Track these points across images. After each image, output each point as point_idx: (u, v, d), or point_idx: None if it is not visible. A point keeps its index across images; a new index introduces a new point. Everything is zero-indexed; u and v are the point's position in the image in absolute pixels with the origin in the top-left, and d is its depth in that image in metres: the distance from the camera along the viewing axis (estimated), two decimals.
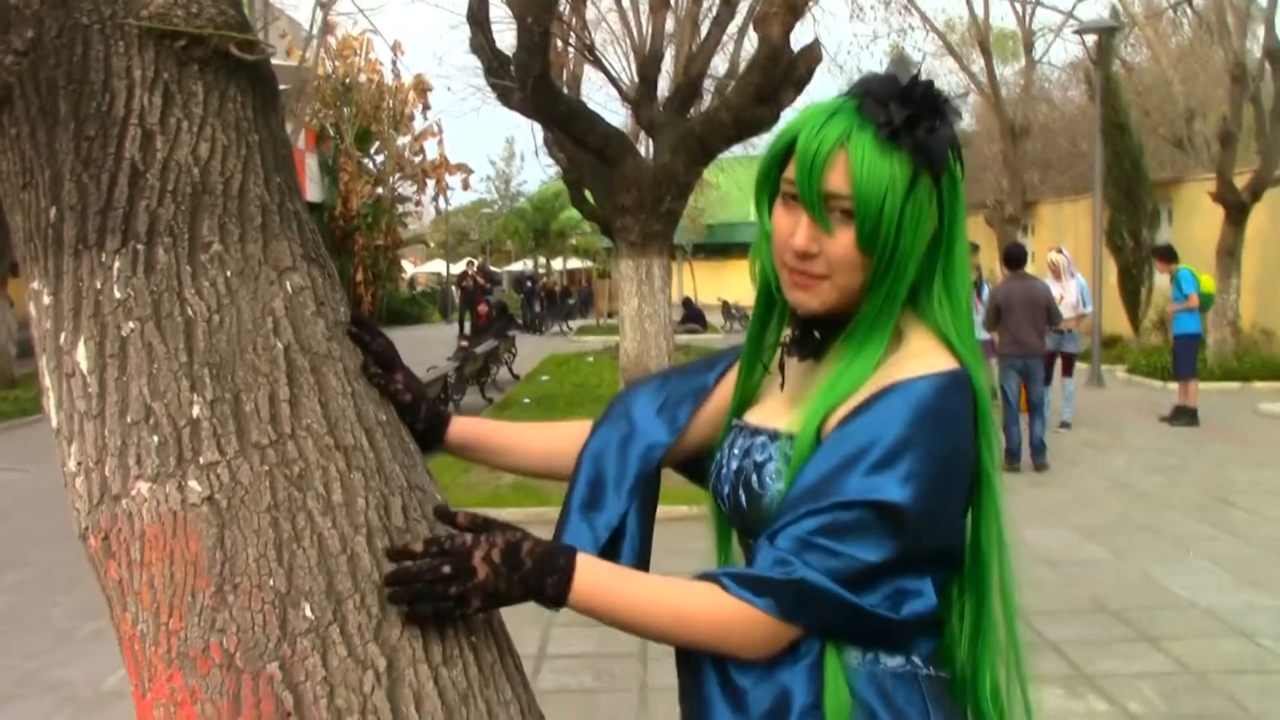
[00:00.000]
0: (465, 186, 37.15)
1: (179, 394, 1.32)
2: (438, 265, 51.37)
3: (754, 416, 1.55)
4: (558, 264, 53.04)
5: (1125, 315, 20.69)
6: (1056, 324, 10.73)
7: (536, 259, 51.69)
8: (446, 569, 1.28)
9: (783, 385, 1.54)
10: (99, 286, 1.35)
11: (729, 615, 1.32)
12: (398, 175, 35.08)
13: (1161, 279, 14.94)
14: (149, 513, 1.29)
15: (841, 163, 1.34)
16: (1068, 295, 11.85)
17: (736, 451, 1.51)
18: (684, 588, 1.35)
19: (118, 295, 1.35)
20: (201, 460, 1.30)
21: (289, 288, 1.44)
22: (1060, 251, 12.71)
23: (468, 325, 27.02)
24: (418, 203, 41.00)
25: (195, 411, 1.31)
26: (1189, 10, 22.28)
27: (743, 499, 1.46)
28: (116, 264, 1.36)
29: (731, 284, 41.01)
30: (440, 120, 38.20)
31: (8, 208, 1.47)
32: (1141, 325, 20.56)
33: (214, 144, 1.45)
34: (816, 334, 1.47)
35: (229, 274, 1.39)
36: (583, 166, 13.84)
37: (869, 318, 1.40)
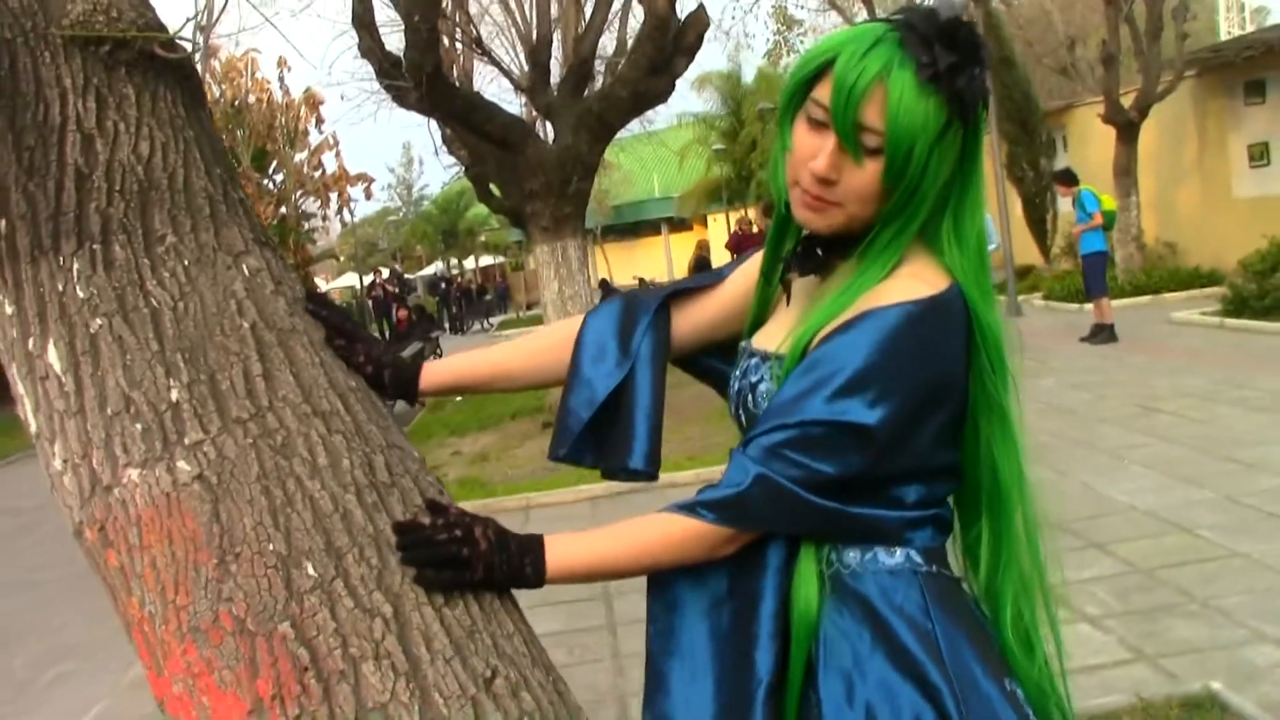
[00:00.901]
0: (368, 195, 36.83)
1: (155, 381, 1.36)
2: (351, 279, 50.83)
3: (759, 339, 1.59)
4: (470, 263, 52.74)
5: (1034, 244, 21.13)
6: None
7: (448, 260, 51.38)
8: (458, 532, 1.39)
9: (788, 301, 1.58)
10: (61, 289, 1.39)
11: (680, 536, 1.41)
12: (299, 192, 34.57)
13: (1065, 203, 15.26)
14: (142, 497, 1.33)
15: (879, 96, 1.33)
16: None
17: (738, 373, 1.57)
18: (639, 526, 1.43)
19: (81, 294, 1.38)
20: (187, 441, 1.34)
21: (246, 270, 1.48)
22: None
23: (387, 334, 26.81)
24: (323, 218, 40.40)
25: (174, 395, 1.35)
26: None
27: (743, 419, 1.52)
28: (75, 265, 1.39)
29: (644, 262, 41.10)
30: (335, 133, 37.80)
31: None
32: (1051, 252, 21.01)
33: (153, 142, 1.49)
34: (819, 251, 1.49)
35: (186, 263, 1.43)
36: (486, 159, 13.79)
37: (877, 248, 1.42)
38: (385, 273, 34.03)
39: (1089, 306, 13.17)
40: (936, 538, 1.48)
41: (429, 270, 52.29)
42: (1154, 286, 16.49)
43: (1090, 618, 4.87)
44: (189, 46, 1.63)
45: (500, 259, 51.90)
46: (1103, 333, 12.91)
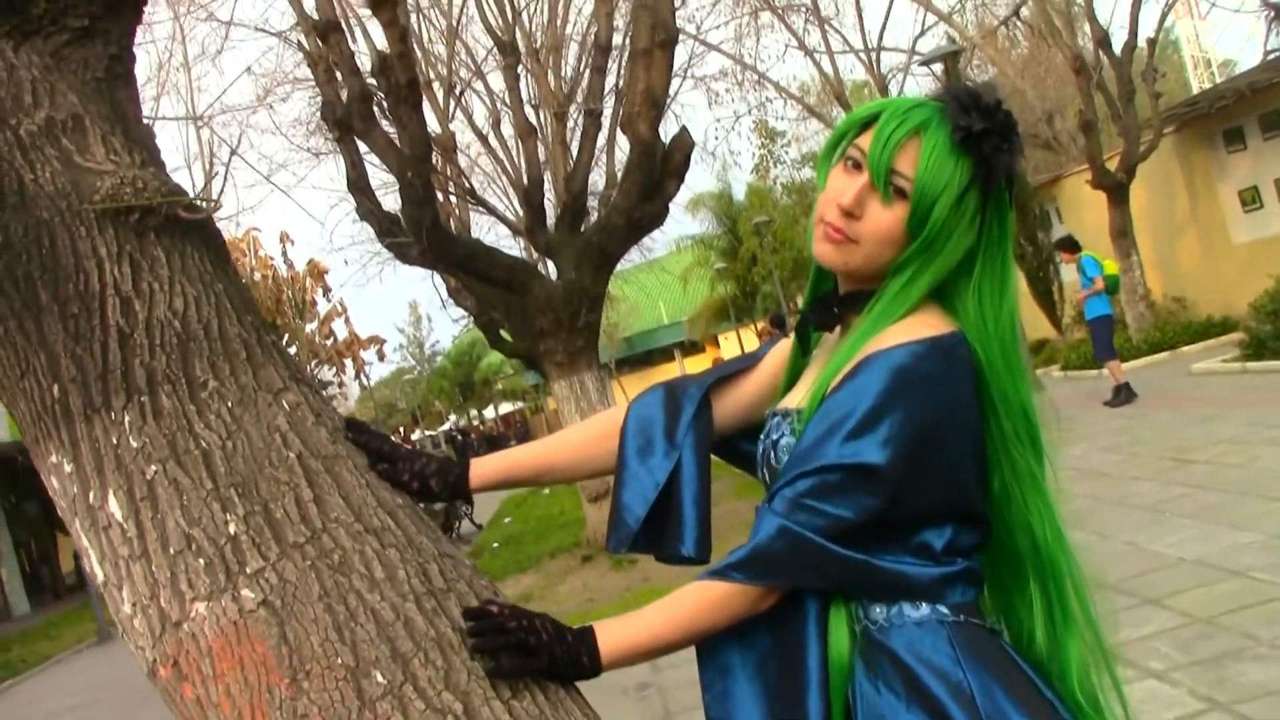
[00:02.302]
0: (381, 357, 37.29)
1: (213, 517, 1.42)
2: None
3: (783, 401, 1.65)
4: (489, 412, 53.05)
5: (1044, 317, 21.20)
6: None
7: (467, 412, 51.68)
8: (524, 621, 1.44)
9: (805, 352, 1.65)
10: (115, 442, 1.46)
11: (717, 601, 1.45)
12: (314, 362, 35.06)
13: (1070, 271, 15.37)
14: (211, 629, 1.38)
15: (913, 148, 1.44)
16: None
17: (762, 435, 1.62)
18: (679, 599, 1.48)
19: (134, 444, 1.45)
20: (249, 570, 1.40)
21: (286, 405, 1.55)
22: None
23: None
24: (340, 385, 40.93)
25: (232, 529, 1.42)
26: (1019, 22, 23.35)
27: (766, 478, 1.58)
28: (126, 418, 1.46)
29: None
30: (343, 299, 38.43)
31: (9, 400, 1.57)
32: (1063, 322, 21.08)
33: (186, 297, 1.57)
34: (835, 310, 1.57)
35: (230, 404, 1.51)
36: (494, 305, 14.03)
37: (887, 298, 1.49)
38: (400, 431, 34.45)
39: (1106, 371, 13.16)
40: (967, 593, 1.49)
41: (446, 425, 52.54)
42: (1170, 342, 16.50)
43: (1156, 673, 4.80)
44: (208, 206, 1.73)
45: (519, 404, 52.21)
46: (1123, 393, 12.87)
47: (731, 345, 38.62)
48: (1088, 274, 12.85)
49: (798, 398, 1.58)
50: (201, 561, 1.40)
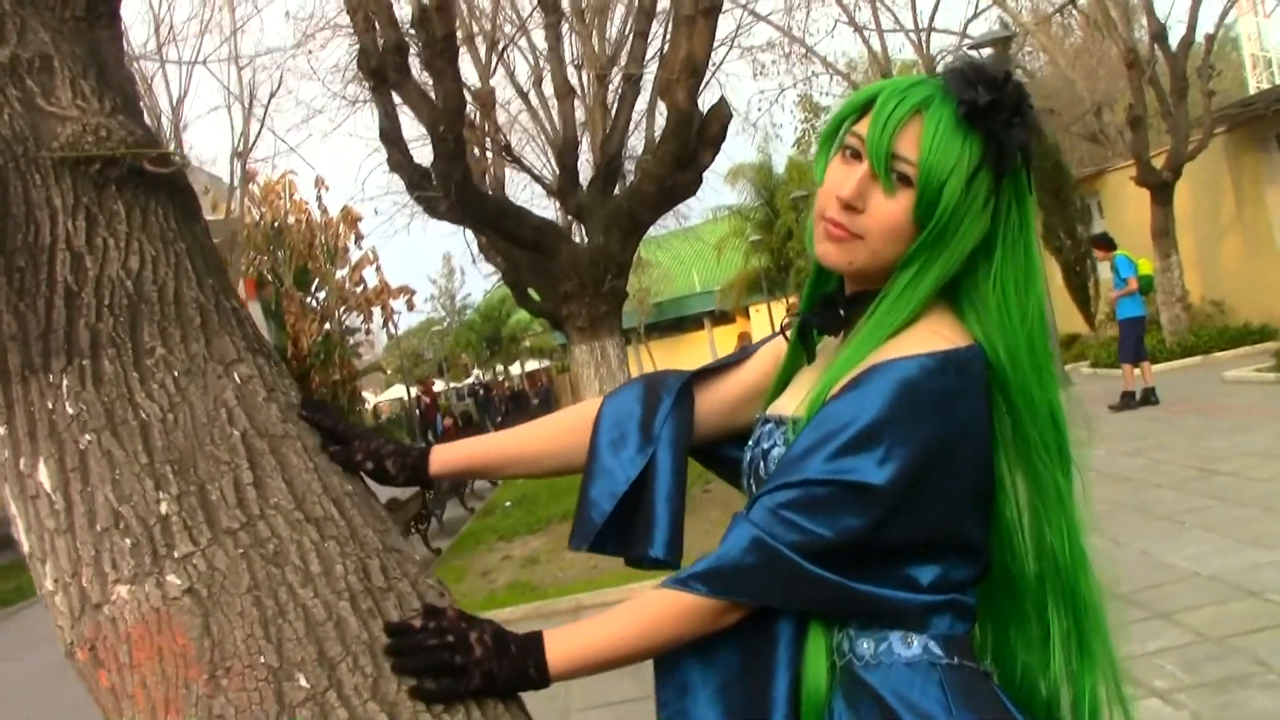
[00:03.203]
0: (410, 307, 37.27)
1: (145, 494, 1.34)
2: (398, 391, 51.32)
3: (774, 407, 1.53)
4: (515, 369, 53.11)
5: (1078, 312, 20.94)
6: None
7: (493, 367, 51.77)
8: (450, 638, 1.32)
9: (809, 360, 1.52)
10: (50, 406, 1.38)
11: (677, 612, 1.34)
12: (343, 308, 35.15)
13: (1105, 269, 15.14)
14: (131, 614, 1.30)
15: (915, 128, 1.32)
16: None
17: (751, 443, 1.50)
18: (636, 607, 1.37)
19: (70, 411, 1.37)
20: (176, 554, 1.31)
21: (237, 378, 1.46)
22: None
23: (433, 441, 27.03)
24: (368, 332, 41.06)
25: (163, 508, 1.33)
26: (1075, 11, 22.94)
27: (753, 488, 1.45)
28: (65, 382, 1.38)
29: (689, 358, 41.11)
30: (375, 248, 38.44)
31: None
32: (1096, 319, 20.81)
33: (143, 256, 1.49)
34: (842, 312, 1.45)
35: (176, 374, 1.42)
36: (521, 264, 13.95)
37: (892, 295, 1.37)
38: (421, 384, 34.57)
39: (1145, 365, 12.90)
40: (957, 625, 1.37)
41: (469, 380, 52.64)
42: (1203, 346, 16.25)
43: (1160, 692, 4.69)
44: (178, 160, 1.64)
45: (546, 363, 52.25)
46: (1130, 400, 12.64)
47: (762, 318, 38.35)
48: (1121, 274, 12.65)
49: (793, 404, 1.45)
50: (128, 541, 1.32)
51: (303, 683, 1.26)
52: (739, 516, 1.36)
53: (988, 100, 1.31)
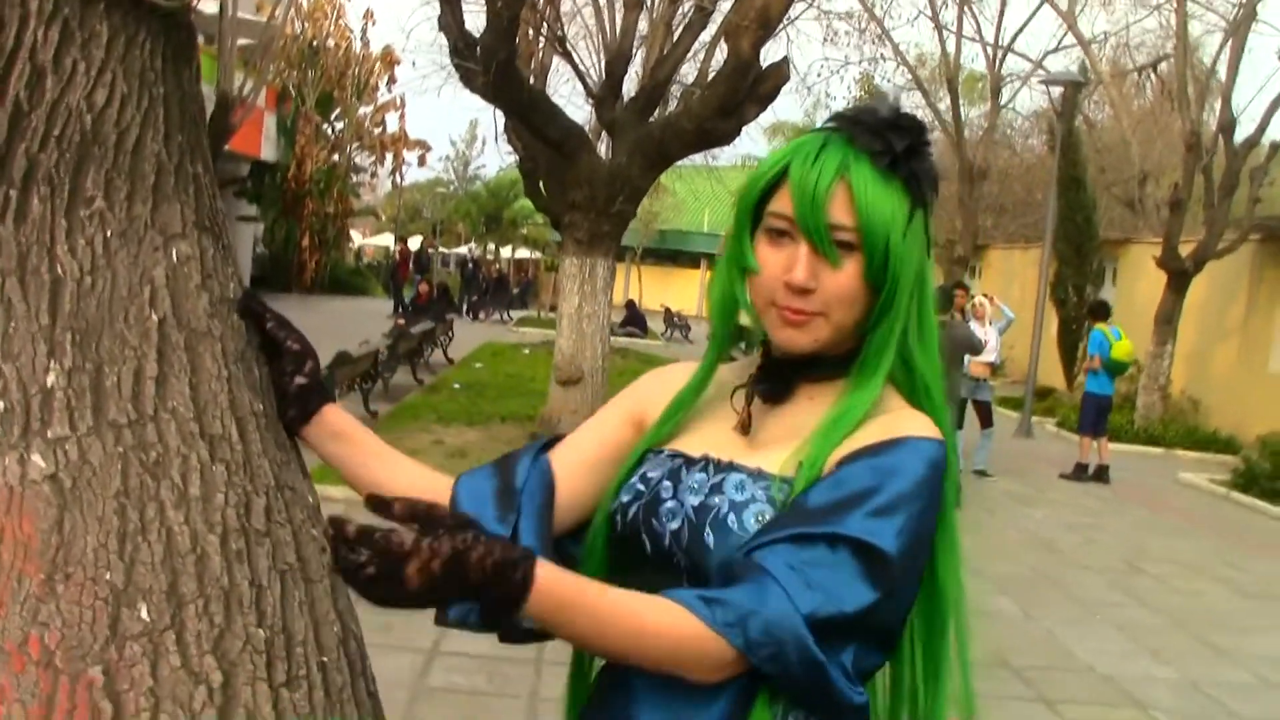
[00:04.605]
0: (422, 163, 36.97)
1: (34, 358, 1.20)
2: (387, 239, 50.76)
3: (694, 446, 1.42)
4: (506, 251, 52.66)
5: (1061, 368, 20.91)
6: (978, 352, 10.93)
7: (486, 244, 51.28)
8: (371, 570, 1.08)
9: (747, 427, 1.41)
10: None
11: (690, 637, 1.21)
12: (356, 144, 34.66)
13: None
14: None
15: (842, 193, 1.30)
16: (989, 341, 11.91)
17: (693, 485, 1.36)
18: (650, 604, 1.23)
19: None
20: (50, 434, 1.18)
21: (174, 256, 1.33)
22: (989, 299, 12.88)
23: (406, 304, 26.81)
24: (373, 174, 40.60)
25: (50, 380, 1.20)
26: (1153, 75, 22.62)
27: (709, 539, 1.31)
28: None
29: (677, 291, 40.96)
30: (404, 95, 37.85)
31: None
32: (1076, 379, 20.80)
33: (112, 91, 1.34)
34: (790, 377, 1.40)
35: (109, 234, 1.28)
36: (539, 158, 13.70)
37: (872, 356, 1.36)
38: (405, 241, 34.24)
39: (1102, 442, 12.92)
40: None
41: (462, 249, 52.14)
42: (1169, 440, 16.27)
43: None
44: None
45: (537, 254, 51.84)
46: (1082, 472, 12.71)
47: None
48: (1090, 348, 12.78)
49: (753, 457, 1.37)
50: (1, 404, 1.19)
51: (143, 614, 1.14)
52: (754, 564, 1.24)
53: (905, 145, 1.32)
